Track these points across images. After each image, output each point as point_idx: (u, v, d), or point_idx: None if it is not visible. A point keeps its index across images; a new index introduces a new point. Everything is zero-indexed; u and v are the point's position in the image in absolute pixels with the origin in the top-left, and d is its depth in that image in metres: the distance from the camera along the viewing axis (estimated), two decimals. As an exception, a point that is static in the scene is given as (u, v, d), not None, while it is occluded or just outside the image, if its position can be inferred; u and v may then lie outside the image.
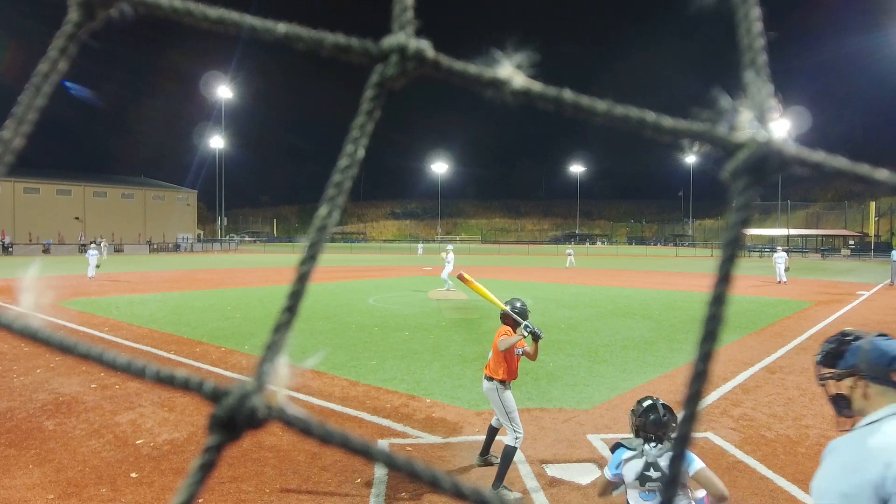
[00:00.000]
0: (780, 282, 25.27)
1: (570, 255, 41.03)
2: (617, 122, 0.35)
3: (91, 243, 26.85)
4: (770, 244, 68.65)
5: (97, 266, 23.53)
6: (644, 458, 3.36)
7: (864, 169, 0.34)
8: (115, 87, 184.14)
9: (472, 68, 0.35)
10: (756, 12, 0.34)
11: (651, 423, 3.44)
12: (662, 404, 3.50)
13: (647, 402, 3.53)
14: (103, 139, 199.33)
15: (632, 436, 3.56)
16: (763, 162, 0.34)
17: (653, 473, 3.34)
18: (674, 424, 3.46)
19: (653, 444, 3.40)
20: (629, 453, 3.42)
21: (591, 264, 42.22)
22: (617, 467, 3.41)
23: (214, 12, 0.34)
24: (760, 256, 61.07)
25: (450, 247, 21.55)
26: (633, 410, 3.58)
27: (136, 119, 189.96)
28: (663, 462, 3.34)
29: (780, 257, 26.17)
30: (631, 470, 3.35)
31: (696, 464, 3.29)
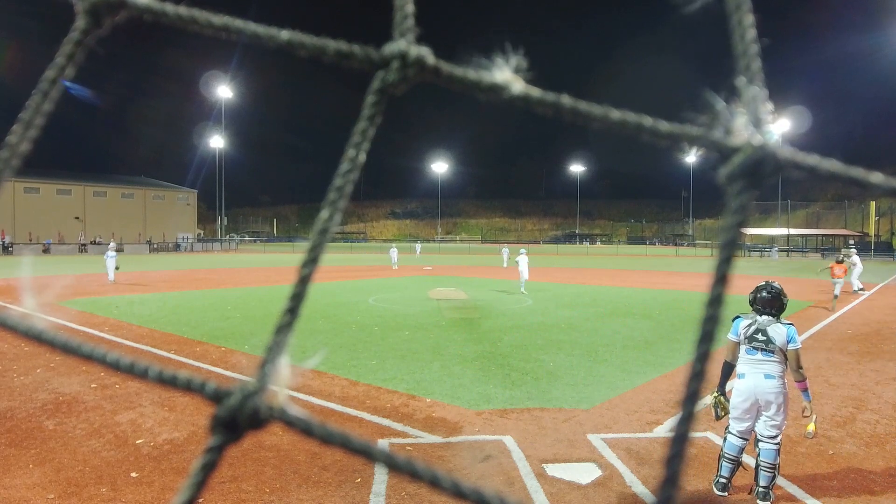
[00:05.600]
0: (856, 290, 20.68)
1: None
2: (615, 126, 0.36)
3: (109, 244, 26.75)
4: (770, 244, 68.56)
5: (116, 268, 23.38)
6: (756, 325, 4.52)
7: (857, 172, 0.35)
8: (115, 87, 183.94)
9: (472, 74, 0.35)
10: (749, 19, 0.35)
11: (761, 297, 4.60)
12: (774, 284, 4.64)
13: (761, 283, 4.70)
14: (103, 139, 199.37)
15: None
16: (758, 165, 0.35)
17: (760, 336, 4.48)
18: (784, 299, 4.61)
19: (764, 316, 4.55)
20: (746, 321, 4.59)
21: (590, 264, 42.20)
22: (735, 333, 4.63)
23: (219, 20, 0.34)
24: (760, 256, 61.01)
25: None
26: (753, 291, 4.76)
27: (136, 119, 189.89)
28: (770, 330, 4.47)
29: (856, 261, 21.13)
30: (743, 331, 4.58)
31: (797, 343, 4.49)
